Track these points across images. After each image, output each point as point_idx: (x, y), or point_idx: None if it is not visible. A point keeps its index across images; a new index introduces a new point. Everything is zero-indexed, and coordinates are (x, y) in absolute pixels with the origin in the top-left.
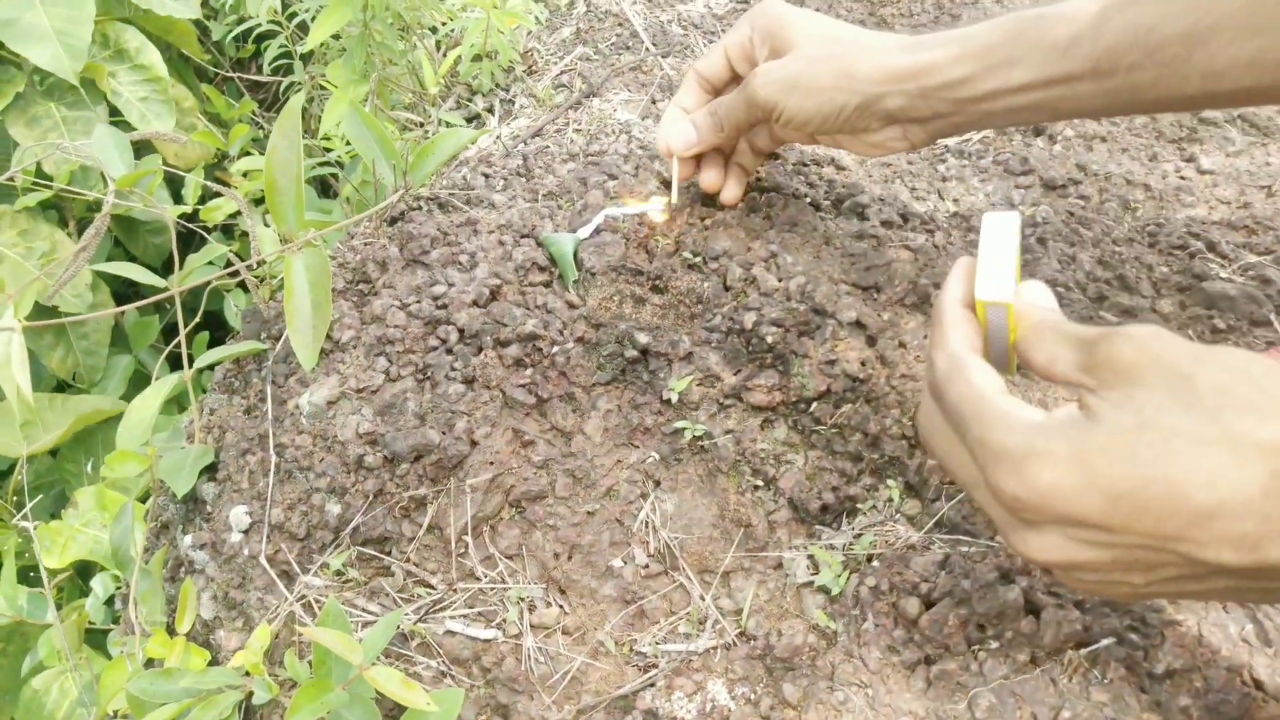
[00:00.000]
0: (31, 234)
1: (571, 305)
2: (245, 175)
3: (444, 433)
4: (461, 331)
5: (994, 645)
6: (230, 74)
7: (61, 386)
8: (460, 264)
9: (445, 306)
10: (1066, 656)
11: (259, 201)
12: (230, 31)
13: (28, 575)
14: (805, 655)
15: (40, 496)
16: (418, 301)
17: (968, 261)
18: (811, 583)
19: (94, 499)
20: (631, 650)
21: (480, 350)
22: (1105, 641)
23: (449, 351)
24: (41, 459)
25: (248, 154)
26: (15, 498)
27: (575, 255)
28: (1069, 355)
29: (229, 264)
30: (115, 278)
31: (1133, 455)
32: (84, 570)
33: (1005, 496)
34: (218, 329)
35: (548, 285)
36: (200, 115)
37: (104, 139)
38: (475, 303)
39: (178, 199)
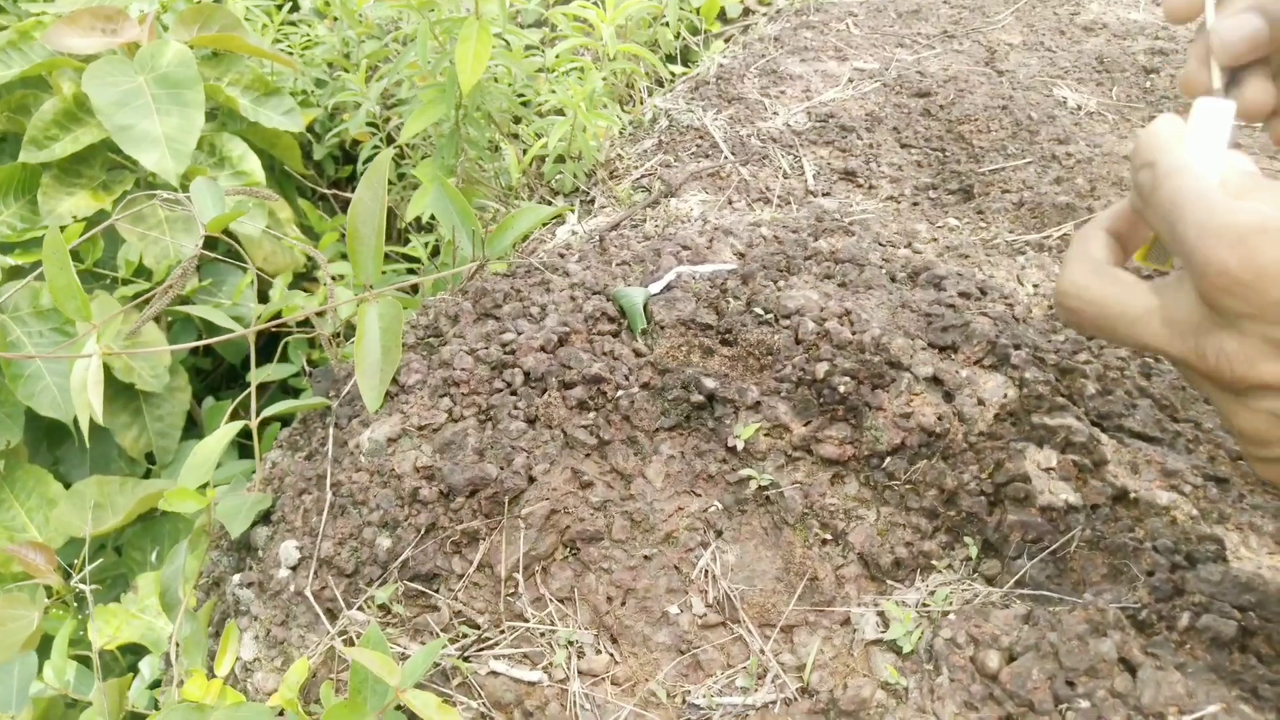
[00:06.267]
0: (124, 317)
1: (638, 353)
2: (334, 279)
3: (502, 467)
4: (527, 374)
5: (1084, 704)
6: (327, 191)
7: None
8: (531, 315)
9: (513, 352)
10: None
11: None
12: (330, 151)
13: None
14: (873, 710)
15: (106, 579)
16: (486, 347)
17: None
18: (880, 640)
19: (153, 584)
20: (684, 702)
21: (545, 391)
22: (1212, 708)
23: (513, 393)
24: (108, 554)
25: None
26: (79, 577)
27: (645, 307)
28: None
29: (306, 322)
30: (193, 366)
31: None
32: (135, 667)
33: (1213, 271)
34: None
35: (616, 335)
36: (295, 226)
37: (200, 189)
38: (543, 348)
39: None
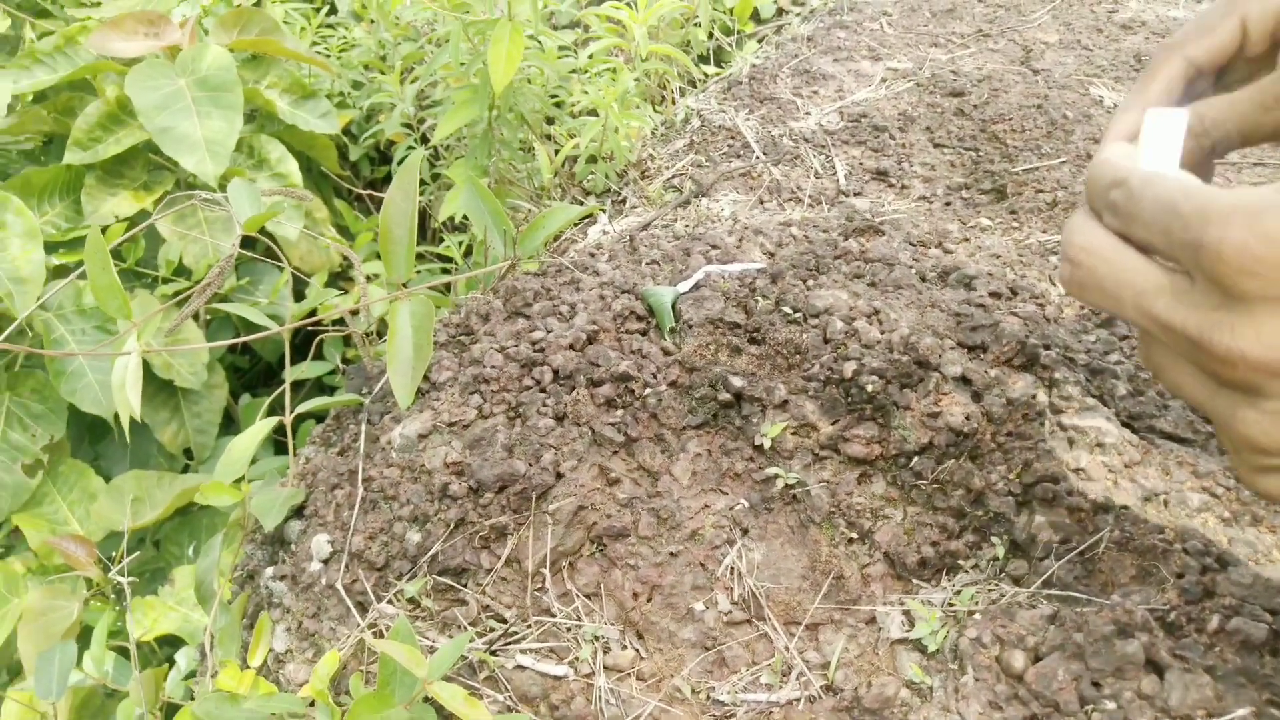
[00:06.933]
0: (163, 315)
1: (666, 352)
2: (368, 279)
3: (530, 464)
4: (556, 372)
5: (1110, 705)
6: (362, 191)
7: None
8: (560, 314)
9: (543, 350)
10: None
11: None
12: (366, 152)
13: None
14: (897, 709)
15: (144, 572)
16: (516, 345)
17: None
18: (906, 639)
19: (190, 577)
20: (709, 698)
21: (573, 389)
22: (1241, 711)
23: (542, 390)
24: (146, 547)
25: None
26: (118, 570)
27: (673, 306)
28: None
29: (341, 321)
30: (231, 364)
31: None
32: (172, 658)
33: (1229, 250)
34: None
35: (644, 333)
36: (331, 226)
37: (238, 190)
38: (572, 346)
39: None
